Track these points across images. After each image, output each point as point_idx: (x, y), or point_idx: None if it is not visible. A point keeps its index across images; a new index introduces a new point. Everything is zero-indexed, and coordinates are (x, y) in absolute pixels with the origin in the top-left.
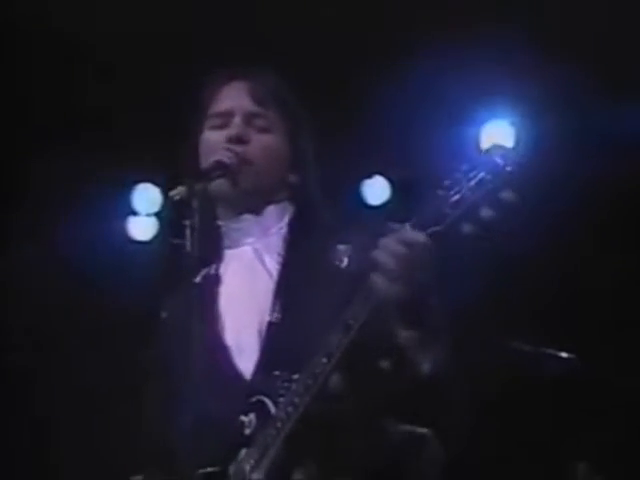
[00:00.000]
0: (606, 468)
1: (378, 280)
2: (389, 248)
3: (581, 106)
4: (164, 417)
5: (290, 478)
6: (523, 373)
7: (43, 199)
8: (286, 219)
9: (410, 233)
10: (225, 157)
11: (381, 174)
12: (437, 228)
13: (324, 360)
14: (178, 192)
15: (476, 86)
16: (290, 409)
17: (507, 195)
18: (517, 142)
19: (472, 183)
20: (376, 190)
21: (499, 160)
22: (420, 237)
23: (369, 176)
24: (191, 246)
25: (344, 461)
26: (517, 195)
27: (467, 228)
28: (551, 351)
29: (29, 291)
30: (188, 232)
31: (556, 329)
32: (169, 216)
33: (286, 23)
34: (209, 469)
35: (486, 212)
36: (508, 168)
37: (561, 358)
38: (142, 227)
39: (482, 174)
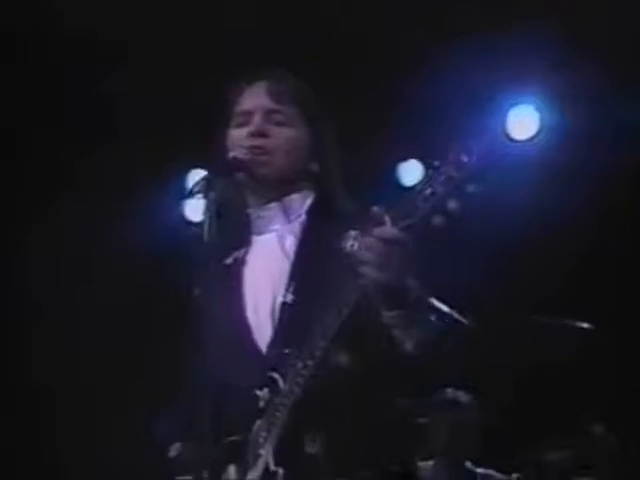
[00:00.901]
0: (621, 429)
1: (361, 269)
2: (367, 244)
3: (606, 92)
4: (195, 389)
5: (302, 450)
6: (543, 344)
7: (105, 185)
8: (306, 206)
9: (385, 230)
10: (241, 153)
11: (416, 157)
12: (410, 221)
13: (321, 340)
14: (198, 186)
15: (503, 73)
16: (294, 385)
17: (472, 188)
18: (541, 127)
19: (442, 178)
20: (411, 172)
21: (465, 158)
22: (393, 232)
23: (404, 159)
24: (208, 235)
25: (352, 433)
26: (481, 187)
27: (437, 219)
28: (571, 322)
29: (92, 269)
30: (206, 223)
31: (576, 300)
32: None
33: (323, 13)
34: (232, 438)
35: (453, 204)
36: (473, 164)
37: (581, 329)
38: (196, 209)
39: (450, 170)
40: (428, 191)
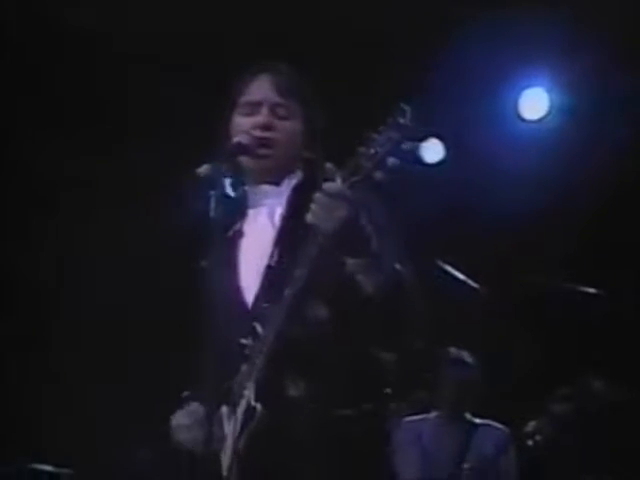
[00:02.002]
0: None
1: (315, 223)
2: (316, 199)
3: (615, 75)
4: (201, 343)
5: (280, 388)
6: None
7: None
8: (292, 184)
9: (330, 185)
10: (245, 139)
11: (436, 136)
12: (356, 178)
13: (289, 292)
14: (204, 169)
15: (516, 58)
16: (269, 332)
17: (407, 146)
18: (551, 108)
19: (382, 140)
20: (432, 150)
21: (401, 120)
22: (337, 187)
23: (425, 138)
24: (215, 211)
25: (329, 378)
26: (415, 145)
27: (378, 175)
28: (579, 287)
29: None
30: (212, 200)
31: (585, 266)
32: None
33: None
34: (226, 383)
35: (392, 161)
36: (408, 125)
37: (589, 294)
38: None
39: (390, 132)
40: (371, 151)
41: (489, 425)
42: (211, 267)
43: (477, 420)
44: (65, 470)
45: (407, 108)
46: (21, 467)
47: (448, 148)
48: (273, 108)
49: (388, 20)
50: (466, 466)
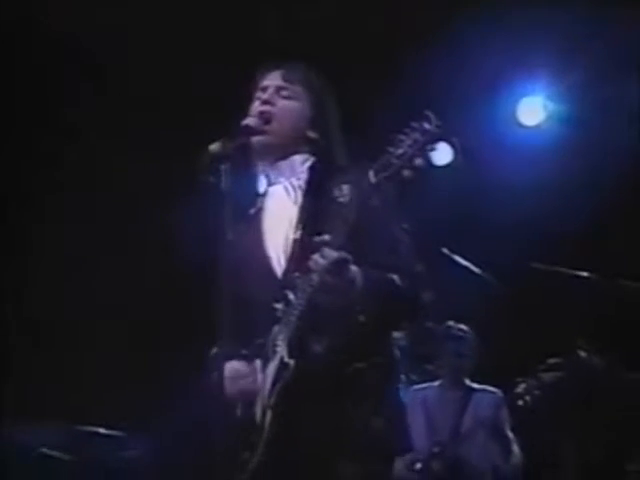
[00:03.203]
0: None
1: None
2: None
3: (611, 82)
4: (231, 305)
5: (309, 349)
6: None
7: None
8: (307, 165)
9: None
10: (251, 122)
11: (445, 140)
12: (385, 174)
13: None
14: (215, 147)
15: (516, 65)
16: (300, 299)
17: (429, 149)
18: (550, 115)
19: (410, 141)
20: (441, 153)
21: (427, 125)
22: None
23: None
24: (225, 184)
25: (350, 339)
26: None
27: (406, 172)
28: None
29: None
30: (223, 174)
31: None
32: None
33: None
34: (258, 340)
35: (419, 161)
36: (434, 130)
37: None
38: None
39: (416, 135)
40: (400, 151)
41: (485, 389)
42: (238, 239)
43: (475, 385)
44: (117, 432)
45: (432, 115)
46: (74, 429)
47: (456, 152)
48: (278, 90)
49: (390, 24)
50: (465, 425)
